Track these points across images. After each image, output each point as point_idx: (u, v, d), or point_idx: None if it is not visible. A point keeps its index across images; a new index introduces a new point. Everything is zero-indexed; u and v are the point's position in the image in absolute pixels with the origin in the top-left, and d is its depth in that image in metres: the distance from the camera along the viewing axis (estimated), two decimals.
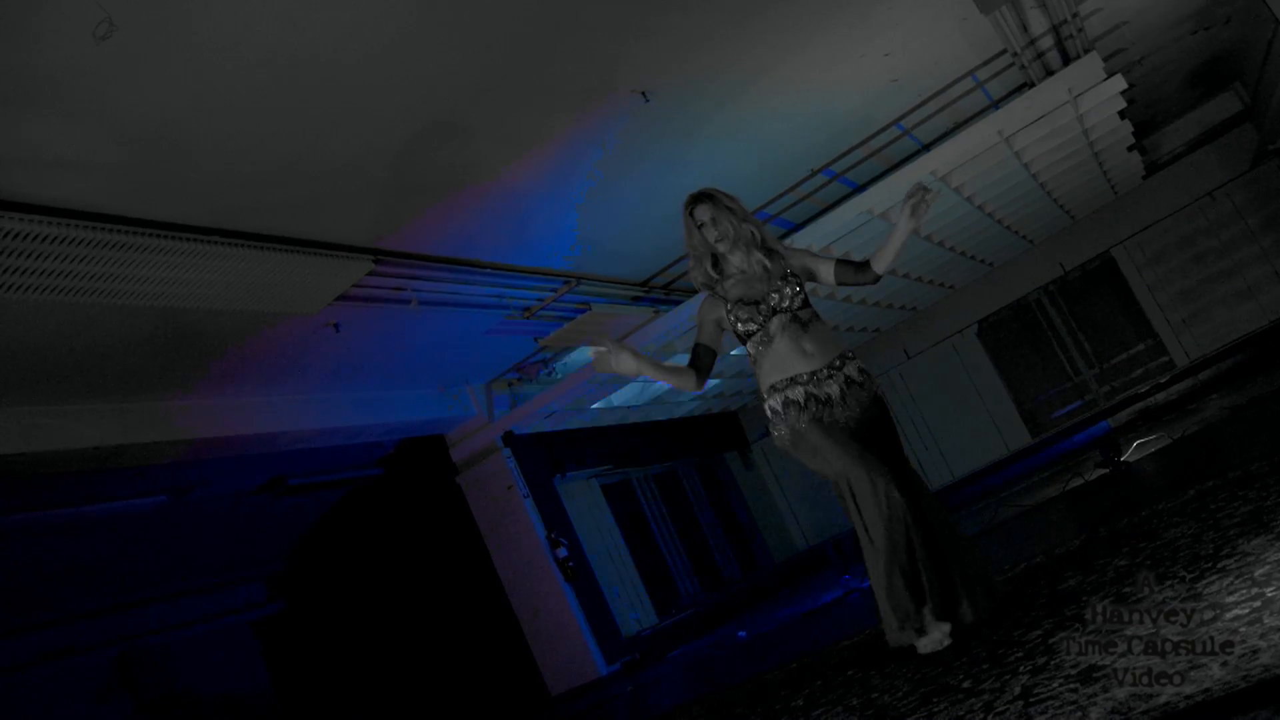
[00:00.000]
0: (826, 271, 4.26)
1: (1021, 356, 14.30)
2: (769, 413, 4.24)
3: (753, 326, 4.19)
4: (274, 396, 8.56)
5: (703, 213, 4.19)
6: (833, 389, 4.10)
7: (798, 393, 4.12)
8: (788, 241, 4.48)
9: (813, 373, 4.12)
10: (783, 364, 4.16)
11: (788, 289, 4.18)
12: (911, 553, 3.89)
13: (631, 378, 4.50)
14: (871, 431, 4.11)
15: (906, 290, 12.31)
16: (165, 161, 4.94)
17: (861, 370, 4.21)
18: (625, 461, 12.94)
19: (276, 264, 6.06)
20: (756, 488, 15.79)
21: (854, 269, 4.23)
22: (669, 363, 4.48)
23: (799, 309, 4.19)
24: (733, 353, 11.49)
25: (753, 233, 4.21)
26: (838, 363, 4.16)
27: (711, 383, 13.04)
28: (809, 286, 4.34)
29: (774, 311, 4.17)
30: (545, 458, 11.17)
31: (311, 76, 4.79)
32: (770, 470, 15.86)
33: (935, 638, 3.85)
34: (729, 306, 4.22)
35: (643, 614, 11.76)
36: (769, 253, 4.24)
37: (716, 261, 4.28)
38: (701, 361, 4.30)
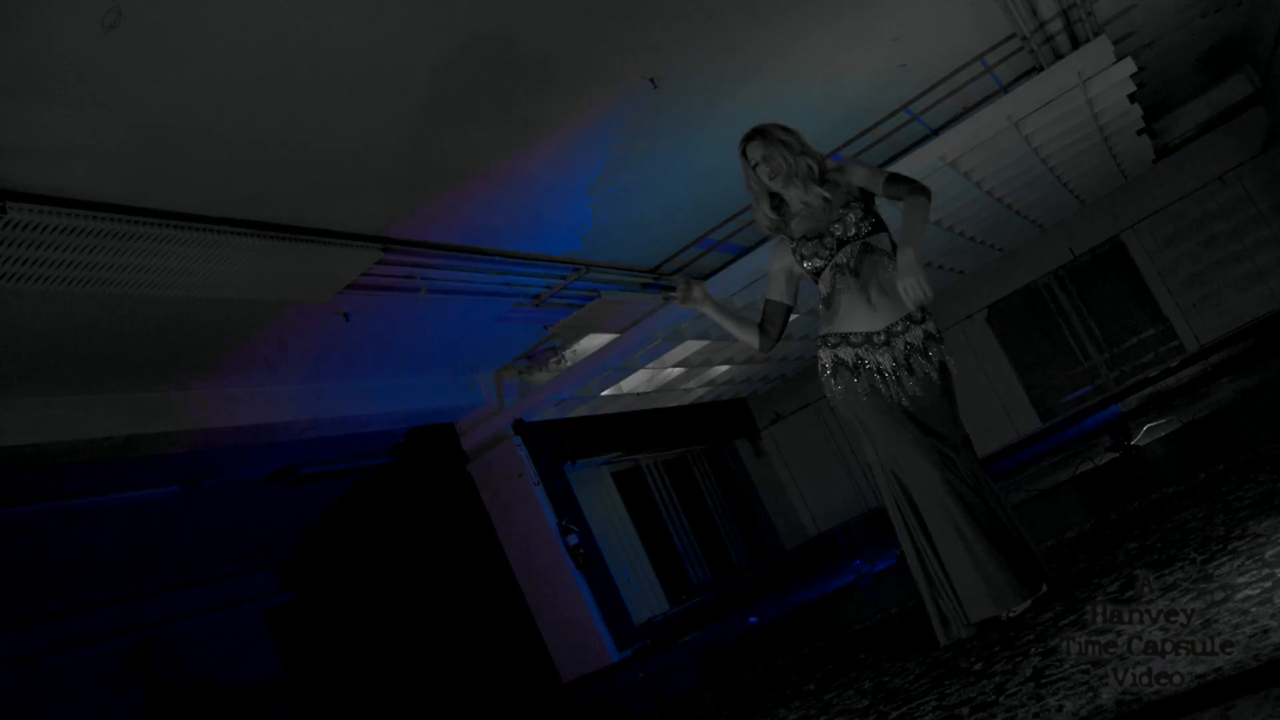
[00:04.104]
0: (878, 186, 3.90)
1: (1031, 341, 14.28)
2: (819, 364, 3.99)
3: (819, 262, 3.91)
4: (284, 386, 8.58)
5: (755, 151, 3.92)
6: (885, 359, 3.84)
7: (848, 354, 3.88)
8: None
9: (869, 334, 3.86)
10: (842, 315, 3.90)
11: (850, 215, 3.88)
12: (983, 537, 3.66)
13: (697, 311, 4.14)
14: (931, 408, 3.85)
15: None
16: (174, 151, 4.95)
17: (929, 335, 3.90)
18: (635, 449, 12.96)
19: (285, 253, 6.07)
20: (767, 474, 15.81)
21: (906, 187, 3.84)
22: (743, 317, 4.17)
23: (869, 234, 3.89)
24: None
25: (809, 165, 3.91)
26: (900, 325, 3.87)
27: (720, 369, 13.03)
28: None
29: (840, 242, 3.88)
30: (555, 445, 11.18)
31: (320, 64, 4.79)
32: (780, 457, 15.87)
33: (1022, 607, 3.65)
34: (794, 245, 3.97)
35: (654, 601, 11.78)
36: (829, 183, 3.95)
37: (779, 202, 4.03)
38: (769, 320, 4.06)
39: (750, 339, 4.10)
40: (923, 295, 3.56)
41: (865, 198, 3.97)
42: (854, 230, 3.88)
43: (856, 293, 3.87)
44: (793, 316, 4.15)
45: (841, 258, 3.89)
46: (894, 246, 3.91)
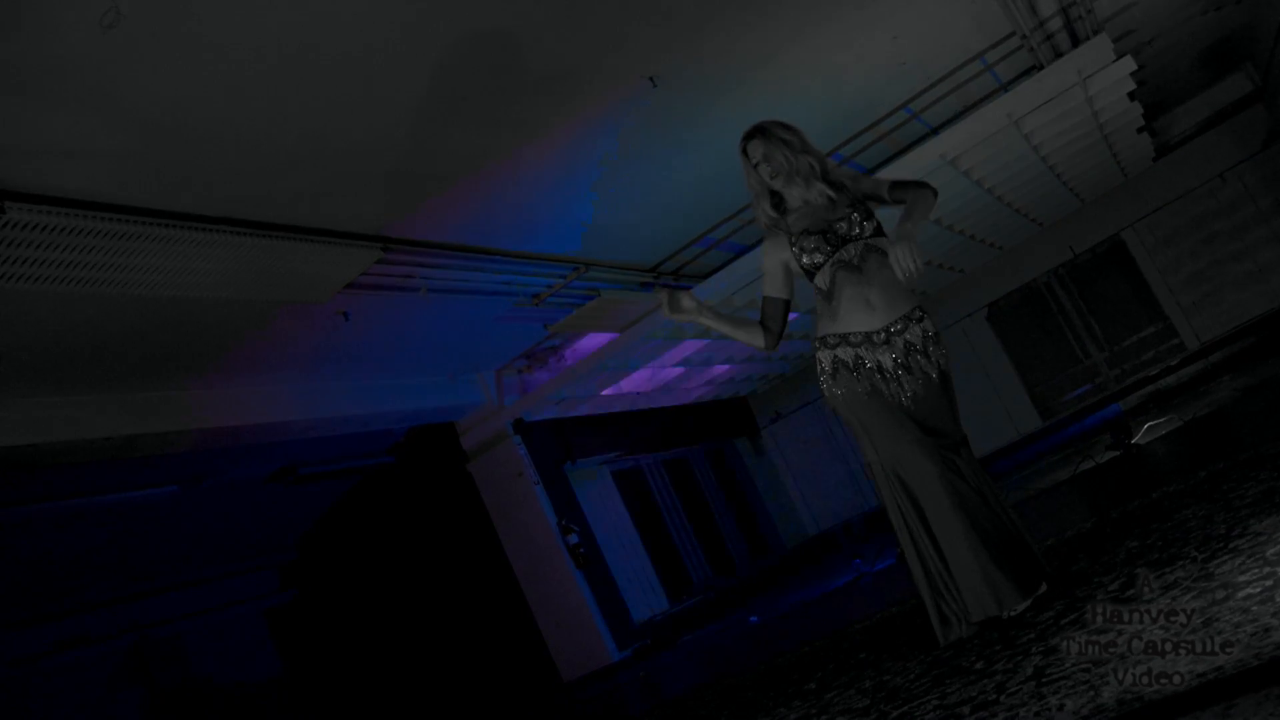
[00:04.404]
0: (884, 190, 3.93)
1: (1031, 340, 14.27)
2: (817, 365, 3.97)
3: (819, 257, 3.87)
4: (284, 385, 8.58)
5: (755, 150, 3.92)
6: (886, 358, 3.82)
7: (847, 354, 3.86)
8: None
9: (869, 333, 3.85)
10: (841, 315, 3.88)
11: (856, 214, 3.88)
12: (986, 536, 3.65)
13: (693, 323, 4.17)
14: (931, 408, 3.83)
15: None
16: (173, 150, 4.95)
17: (927, 335, 3.88)
18: (636, 448, 12.96)
19: (285, 253, 6.07)
20: (767, 473, 15.80)
21: (914, 186, 3.89)
22: (740, 318, 4.18)
23: (871, 237, 3.88)
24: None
25: (811, 164, 3.91)
26: (898, 325, 3.85)
27: (721, 368, 13.03)
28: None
29: (843, 240, 3.86)
30: (556, 445, 11.18)
31: (319, 63, 4.79)
32: (780, 455, 15.86)
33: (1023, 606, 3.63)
34: (793, 239, 3.92)
35: (654, 600, 11.78)
36: (834, 184, 3.95)
37: (779, 200, 4.02)
38: (770, 317, 4.03)
39: (754, 339, 4.07)
40: (913, 264, 3.55)
41: (869, 203, 3.98)
42: (857, 230, 3.88)
43: (857, 288, 3.86)
44: (792, 315, 4.14)
45: (844, 255, 3.87)
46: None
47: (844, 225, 3.88)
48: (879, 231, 3.94)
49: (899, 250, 3.56)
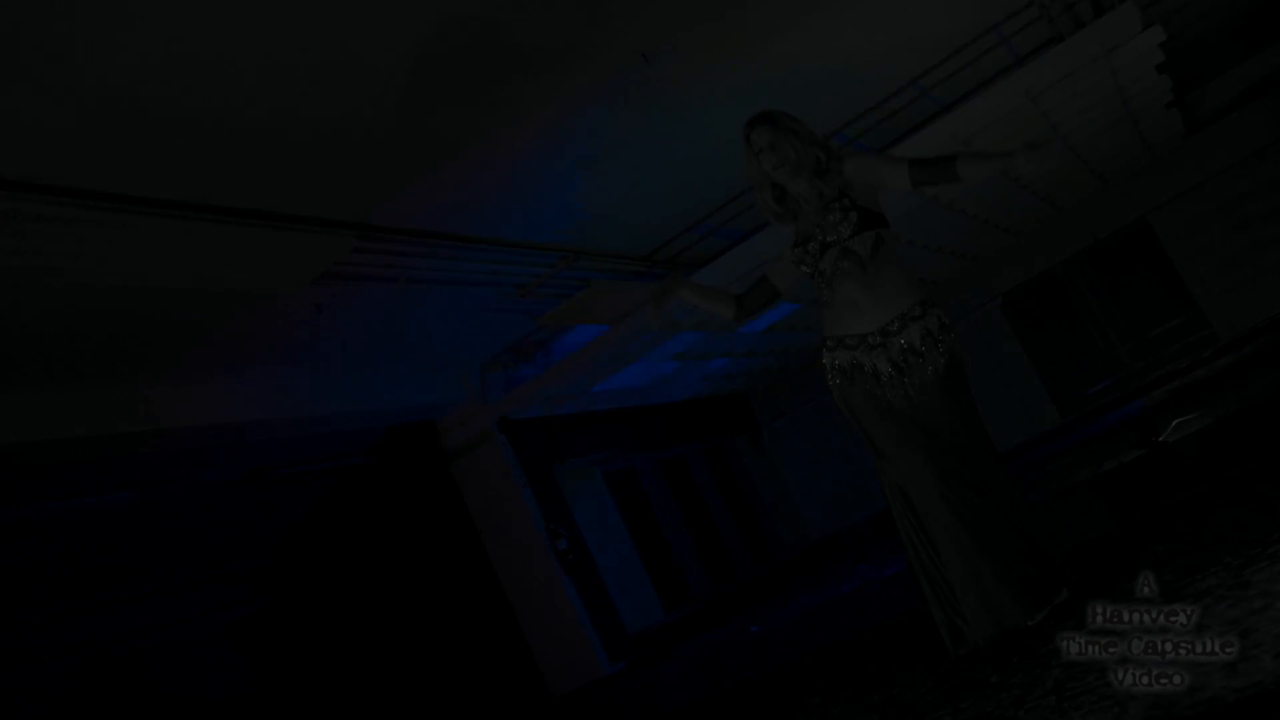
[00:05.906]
0: (898, 175, 3.85)
1: (1050, 331, 14.25)
2: (823, 367, 4.03)
3: (805, 269, 3.94)
4: (254, 383, 8.54)
5: (760, 138, 3.89)
6: (881, 363, 3.83)
7: (844, 358, 3.90)
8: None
9: (862, 336, 3.86)
10: (834, 319, 3.94)
11: (831, 216, 3.85)
12: (987, 552, 3.65)
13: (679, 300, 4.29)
14: (932, 411, 3.81)
15: (926, 262, 12.27)
16: (128, 131, 4.89)
17: (927, 334, 3.83)
18: (629, 447, 12.93)
19: (250, 241, 6.02)
20: (768, 473, 15.79)
21: (933, 168, 3.80)
22: (715, 289, 4.36)
23: (849, 238, 3.83)
24: (741, 329, 11.47)
25: (818, 157, 3.89)
26: (895, 324, 3.83)
27: (719, 363, 13.01)
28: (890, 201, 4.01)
29: (824, 247, 3.86)
30: (543, 444, 11.15)
31: (292, 39, 4.74)
32: (782, 455, 15.84)
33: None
34: (793, 245, 3.98)
35: (649, 608, 11.76)
36: (830, 176, 3.91)
37: (782, 194, 4.00)
38: (752, 295, 4.22)
39: (724, 310, 4.22)
40: (1037, 164, 3.57)
41: (864, 193, 3.92)
42: (833, 235, 3.86)
43: (840, 295, 3.89)
44: (794, 305, 4.16)
45: (824, 264, 3.88)
46: (876, 245, 3.84)
47: (820, 231, 3.88)
48: (862, 225, 3.86)
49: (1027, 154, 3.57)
